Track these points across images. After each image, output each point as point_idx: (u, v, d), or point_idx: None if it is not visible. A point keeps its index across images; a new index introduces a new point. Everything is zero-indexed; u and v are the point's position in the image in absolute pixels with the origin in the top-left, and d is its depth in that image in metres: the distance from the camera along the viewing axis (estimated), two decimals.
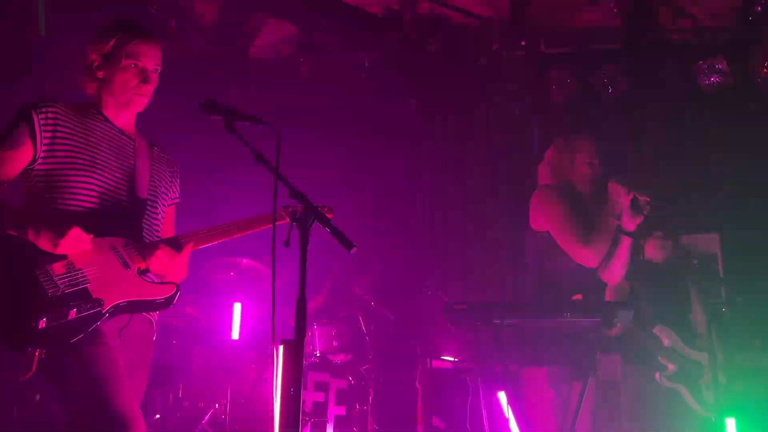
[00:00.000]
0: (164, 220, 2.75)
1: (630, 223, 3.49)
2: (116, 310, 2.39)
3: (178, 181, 2.84)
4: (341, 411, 4.96)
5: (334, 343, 5.09)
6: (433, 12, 5.37)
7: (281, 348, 3.54)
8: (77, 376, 2.29)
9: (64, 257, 2.35)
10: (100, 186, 2.50)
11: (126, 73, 2.55)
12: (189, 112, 2.55)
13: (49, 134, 2.45)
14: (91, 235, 2.37)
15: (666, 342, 3.79)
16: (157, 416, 4.82)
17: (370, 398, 5.04)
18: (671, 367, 3.77)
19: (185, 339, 5.15)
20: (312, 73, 5.85)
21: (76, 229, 2.32)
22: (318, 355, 5.07)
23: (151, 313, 2.62)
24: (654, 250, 3.98)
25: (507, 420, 3.32)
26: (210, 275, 5.24)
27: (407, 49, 5.34)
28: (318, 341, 5.11)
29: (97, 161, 2.52)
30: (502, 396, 3.35)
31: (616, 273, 3.58)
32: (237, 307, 5.12)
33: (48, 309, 2.27)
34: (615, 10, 4.99)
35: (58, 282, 2.31)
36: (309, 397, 4.81)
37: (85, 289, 2.33)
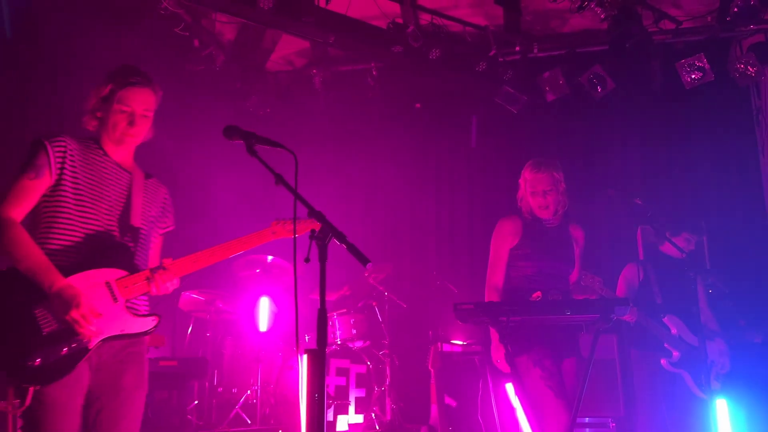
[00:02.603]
0: (154, 247, 2.64)
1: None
2: (102, 344, 2.30)
3: (172, 210, 2.74)
4: (361, 393, 4.88)
5: (353, 331, 5.01)
6: (433, 23, 5.22)
7: (305, 357, 3.43)
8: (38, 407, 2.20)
9: None
10: (96, 216, 2.42)
11: (116, 116, 2.50)
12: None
13: (59, 163, 2.39)
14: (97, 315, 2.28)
15: (674, 331, 3.63)
16: (196, 402, 4.75)
17: (387, 380, 5.00)
18: (676, 353, 3.62)
19: (217, 332, 5.10)
20: (324, 83, 5.76)
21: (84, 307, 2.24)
22: (339, 342, 4.97)
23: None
24: (672, 247, 3.82)
25: (514, 409, 3.16)
26: (237, 272, 5.14)
27: (411, 58, 5.20)
28: (338, 330, 5.01)
29: (96, 194, 2.44)
30: (509, 387, 3.18)
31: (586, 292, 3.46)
32: (263, 301, 5.02)
33: (42, 347, 2.20)
34: (602, 16, 4.79)
35: (53, 320, 2.23)
36: (332, 382, 4.69)
37: (76, 330, 2.22)
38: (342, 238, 2.31)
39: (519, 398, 3.30)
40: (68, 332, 2.22)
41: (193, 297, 4.95)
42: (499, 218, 3.47)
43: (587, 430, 4.36)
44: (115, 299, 2.35)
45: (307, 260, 2.30)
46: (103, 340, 2.31)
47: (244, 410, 4.70)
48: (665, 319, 3.62)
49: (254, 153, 2.32)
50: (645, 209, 3.69)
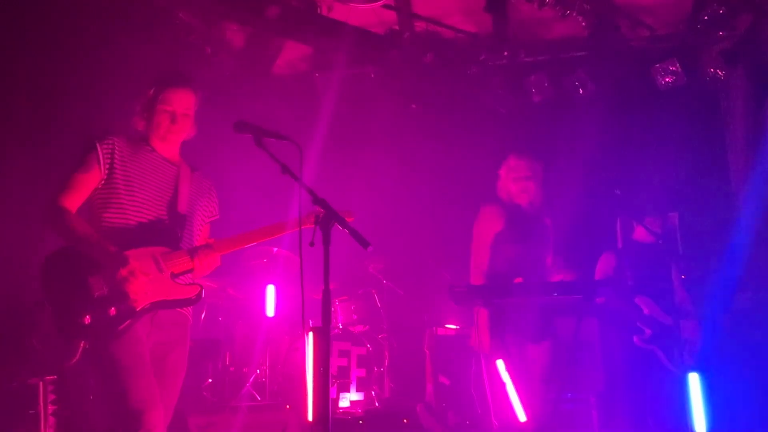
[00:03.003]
0: (201, 234, 2.78)
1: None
2: (149, 308, 2.45)
3: (216, 200, 2.87)
4: (362, 373, 4.99)
5: (354, 317, 5.11)
6: (428, 30, 5.34)
7: (311, 334, 3.55)
8: (106, 366, 2.37)
9: None
10: (146, 204, 2.56)
11: (160, 115, 2.64)
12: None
13: (108, 160, 2.54)
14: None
15: (646, 311, 3.75)
16: (210, 380, 4.86)
17: (386, 361, 5.08)
18: (648, 331, 3.73)
19: (229, 316, 5.21)
20: (325, 86, 5.83)
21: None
22: (340, 327, 5.08)
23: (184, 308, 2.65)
24: (644, 233, 3.92)
25: (504, 384, 3.26)
26: (247, 261, 5.26)
27: (407, 62, 5.30)
28: (340, 315, 5.11)
29: (145, 184, 2.58)
30: (500, 363, 3.29)
31: (562, 274, 3.56)
32: (270, 289, 5.11)
33: (92, 307, 2.35)
34: (583, 24, 4.90)
35: (104, 285, 2.38)
36: (334, 362, 4.80)
37: (124, 291, 2.38)
38: (344, 223, 2.43)
39: (510, 375, 3.38)
40: (117, 296, 2.38)
41: (206, 284, 5.05)
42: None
43: (570, 405, 4.46)
44: (161, 270, 2.47)
45: (311, 244, 2.41)
46: (151, 306, 2.44)
47: (255, 388, 4.82)
48: (637, 300, 3.73)
49: (262, 145, 2.43)
50: (623, 199, 3.80)
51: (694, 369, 3.54)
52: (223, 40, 5.21)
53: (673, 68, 5.03)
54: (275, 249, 5.16)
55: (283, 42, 5.51)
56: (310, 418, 3.75)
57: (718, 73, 4.94)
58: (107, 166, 2.52)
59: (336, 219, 2.42)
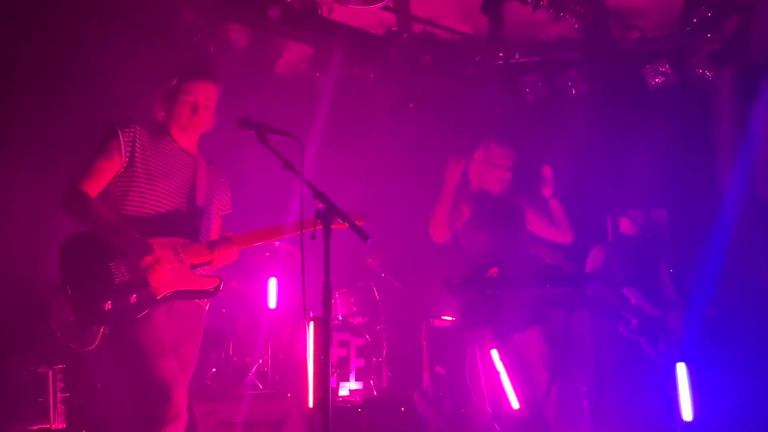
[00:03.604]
0: (213, 228, 2.75)
1: (547, 191, 3.44)
2: (169, 297, 2.41)
3: (230, 194, 2.84)
4: (361, 363, 5.01)
5: (353, 308, 5.12)
6: (425, 31, 5.34)
7: (312, 324, 3.55)
8: (130, 350, 2.33)
9: None
10: (165, 194, 2.52)
11: (182, 105, 2.59)
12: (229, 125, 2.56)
13: (129, 148, 2.49)
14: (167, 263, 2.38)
15: (633, 301, 3.76)
16: (214, 370, 4.88)
17: (384, 352, 5.09)
18: (634, 321, 3.74)
19: (232, 307, 5.22)
20: (326, 85, 5.82)
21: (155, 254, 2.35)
22: (340, 318, 5.10)
23: (202, 299, 2.62)
24: (628, 226, 3.94)
25: (498, 373, 3.27)
26: (250, 255, 5.26)
27: (405, 62, 5.30)
28: (340, 307, 5.12)
29: (165, 174, 2.54)
30: (494, 353, 3.30)
31: (562, 232, 3.51)
32: (272, 282, 5.13)
33: (114, 294, 2.31)
34: (576, 26, 4.90)
35: (125, 272, 2.34)
36: (334, 353, 4.83)
37: (145, 278, 2.35)
38: (344, 216, 2.43)
39: (504, 364, 3.38)
40: (138, 283, 2.35)
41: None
42: None
43: (562, 393, 4.48)
44: (180, 261, 2.44)
45: (312, 237, 2.42)
46: (171, 296, 2.41)
47: (257, 377, 4.85)
48: (624, 291, 3.74)
49: (264, 141, 2.41)
50: (614, 194, 3.81)
51: (678, 359, 3.56)
52: (227, 40, 5.20)
53: (663, 69, 5.05)
54: (277, 243, 5.17)
55: (285, 42, 5.51)
56: (311, 405, 3.76)
57: (706, 74, 4.95)
58: (128, 154, 2.47)
59: (336, 213, 2.42)
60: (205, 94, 2.60)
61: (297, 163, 2.39)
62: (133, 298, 2.32)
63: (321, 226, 2.40)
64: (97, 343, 2.29)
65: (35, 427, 3.58)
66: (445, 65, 5.38)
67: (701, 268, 4.37)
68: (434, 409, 4.44)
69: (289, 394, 4.45)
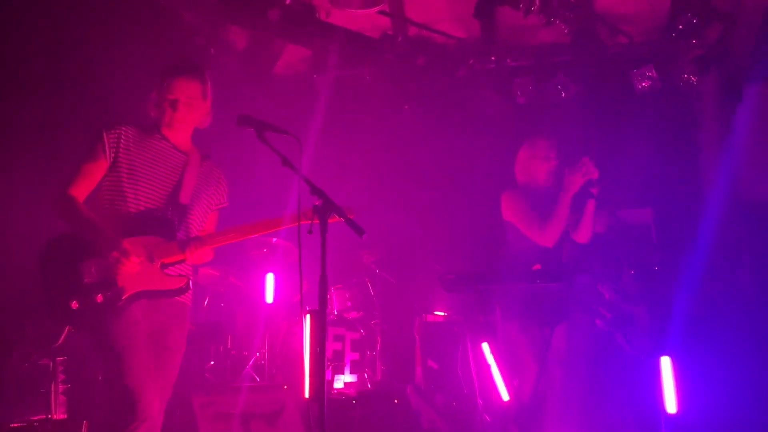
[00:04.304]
0: (207, 221, 2.72)
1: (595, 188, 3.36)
2: (136, 297, 2.39)
3: (226, 188, 2.79)
4: (355, 356, 5.00)
5: (348, 304, 5.11)
6: (420, 35, 5.35)
7: (308, 316, 3.53)
8: (105, 347, 2.32)
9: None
10: (146, 193, 2.50)
11: (164, 103, 2.58)
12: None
13: (113, 149, 2.48)
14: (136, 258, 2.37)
15: (606, 296, 3.75)
16: (212, 362, 4.87)
17: (378, 346, 5.09)
18: (608, 315, 3.73)
19: (230, 302, 5.22)
20: (323, 86, 5.82)
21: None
22: (336, 313, 5.08)
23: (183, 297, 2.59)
24: (603, 224, 3.93)
25: (489, 366, 3.26)
26: (247, 251, 5.25)
27: (400, 64, 5.29)
28: (335, 302, 5.11)
29: (149, 173, 2.52)
30: (485, 346, 3.29)
31: (586, 233, 3.44)
32: (269, 277, 5.11)
33: (81, 293, 2.31)
34: (565, 31, 4.91)
35: (94, 273, 2.34)
36: (329, 346, 4.81)
37: (114, 279, 2.34)
38: (341, 212, 2.41)
39: (495, 357, 3.38)
40: (105, 283, 2.33)
41: (209, 272, 5.06)
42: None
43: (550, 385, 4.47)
44: (151, 260, 2.43)
45: (309, 232, 2.39)
46: (137, 296, 2.39)
47: (254, 369, 4.84)
48: (598, 286, 3.72)
49: (263, 139, 2.39)
50: (601, 194, 3.79)
51: (651, 353, 3.54)
52: (227, 42, 5.19)
53: (650, 74, 5.07)
54: (274, 239, 5.15)
55: (283, 44, 5.51)
56: (306, 395, 3.74)
57: (691, 79, 4.97)
58: (113, 154, 2.46)
59: (333, 209, 2.41)
60: (186, 92, 2.56)
61: (295, 160, 2.38)
62: (100, 297, 2.32)
63: (317, 221, 2.37)
64: (61, 341, 2.31)
65: (36, 418, 3.55)
66: (438, 68, 5.39)
67: (685, 266, 4.38)
68: (426, 402, 4.43)
69: (285, 386, 4.42)
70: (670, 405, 3.38)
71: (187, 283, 2.53)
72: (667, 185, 5.19)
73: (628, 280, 3.93)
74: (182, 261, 2.50)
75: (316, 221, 2.37)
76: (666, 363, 3.58)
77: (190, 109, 2.58)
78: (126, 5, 4.46)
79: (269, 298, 5.07)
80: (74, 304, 2.29)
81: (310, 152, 4.66)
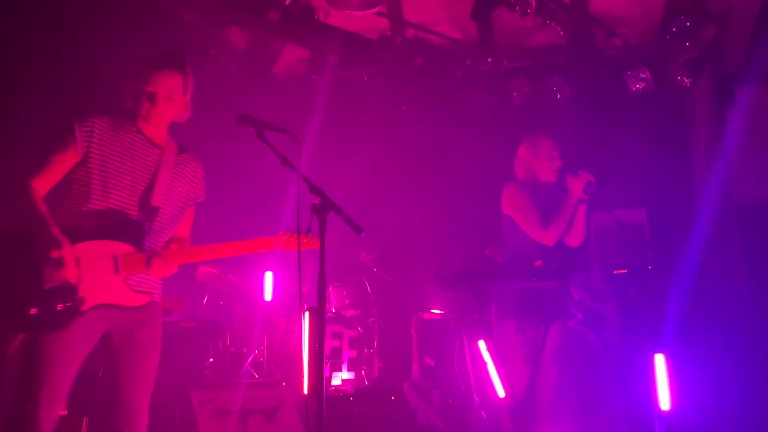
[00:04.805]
0: (183, 216, 2.57)
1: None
2: (96, 309, 2.24)
3: (202, 182, 2.63)
4: (353, 354, 5.00)
5: (346, 302, 5.10)
6: (417, 36, 5.33)
7: (307, 313, 3.53)
8: (25, 360, 2.17)
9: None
10: (117, 192, 2.35)
11: (142, 95, 2.42)
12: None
13: (85, 142, 2.33)
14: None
15: (576, 297, 3.73)
16: (211, 359, 4.86)
17: (376, 343, 5.08)
18: (580, 315, 3.72)
19: (229, 300, 5.22)
20: (322, 86, 5.80)
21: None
22: (334, 311, 5.07)
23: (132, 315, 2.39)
24: None
25: (485, 363, 3.25)
26: None
27: (398, 65, 5.28)
28: (333, 300, 5.10)
29: (121, 170, 2.37)
30: (481, 344, 3.28)
31: (578, 236, 3.42)
32: (268, 275, 5.09)
33: (40, 299, 2.15)
34: (561, 33, 4.90)
35: (55, 277, 2.17)
36: (327, 344, 4.80)
37: (75, 287, 2.19)
38: (339, 210, 2.39)
39: (491, 354, 3.36)
40: (66, 292, 2.19)
41: (208, 270, 5.05)
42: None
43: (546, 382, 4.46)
44: (117, 271, 2.29)
45: (308, 231, 2.37)
46: (96, 308, 2.25)
47: (253, 366, 4.84)
48: (569, 288, 3.70)
49: (263, 138, 2.35)
50: (596, 194, 3.76)
51: (624, 349, 3.51)
52: (227, 42, 5.16)
53: (644, 75, 5.06)
54: None
55: (283, 45, 5.48)
56: (305, 391, 3.73)
57: (684, 81, 4.97)
58: (84, 148, 2.31)
59: (332, 207, 2.39)
60: (165, 86, 2.40)
61: (294, 159, 2.35)
62: (59, 306, 2.16)
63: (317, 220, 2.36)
64: (15, 345, 2.14)
65: None
66: (435, 69, 5.38)
67: (678, 265, 4.38)
68: (423, 398, 4.43)
69: (283, 383, 4.40)
70: (664, 402, 3.39)
71: (150, 302, 2.39)
72: (660, 185, 5.19)
73: (596, 278, 3.90)
74: (146, 272, 2.36)
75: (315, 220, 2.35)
76: (660, 360, 3.58)
77: (169, 104, 2.43)
78: (126, 5, 4.43)
79: (268, 295, 5.06)
80: (33, 311, 2.12)
81: (308, 151, 4.64)
